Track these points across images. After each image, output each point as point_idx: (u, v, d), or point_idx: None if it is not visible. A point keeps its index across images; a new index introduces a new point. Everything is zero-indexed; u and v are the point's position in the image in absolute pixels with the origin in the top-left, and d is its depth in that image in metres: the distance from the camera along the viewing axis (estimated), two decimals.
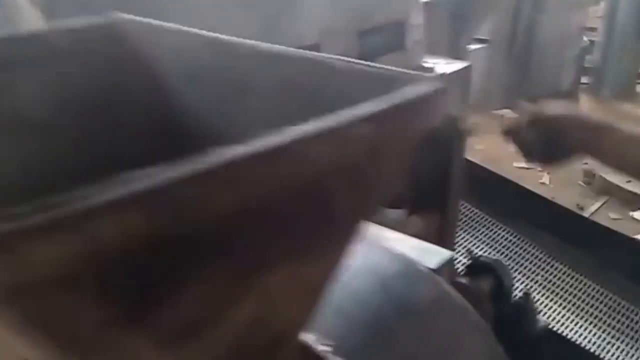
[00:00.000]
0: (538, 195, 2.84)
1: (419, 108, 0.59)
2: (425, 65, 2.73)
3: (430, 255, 1.10)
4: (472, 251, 1.82)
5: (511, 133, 1.50)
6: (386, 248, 1.07)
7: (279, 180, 0.48)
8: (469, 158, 2.10)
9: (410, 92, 0.58)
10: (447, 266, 1.09)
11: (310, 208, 0.54)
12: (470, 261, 1.57)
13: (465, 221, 2.62)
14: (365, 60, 0.70)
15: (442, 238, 1.92)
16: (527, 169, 3.54)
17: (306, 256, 0.57)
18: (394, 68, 0.66)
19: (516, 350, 1.45)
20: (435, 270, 1.06)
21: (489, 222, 2.64)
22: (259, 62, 0.77)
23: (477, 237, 2.60)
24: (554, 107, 1.52)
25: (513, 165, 3.68)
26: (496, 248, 2.58)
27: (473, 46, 4.67)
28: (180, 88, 0.86)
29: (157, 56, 0.87)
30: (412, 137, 0.62)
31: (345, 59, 0.70)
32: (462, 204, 2.59)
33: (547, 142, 1.44)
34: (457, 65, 2.79)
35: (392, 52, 2.58)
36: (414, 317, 0.96)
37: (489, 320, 1.46)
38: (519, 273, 2.43)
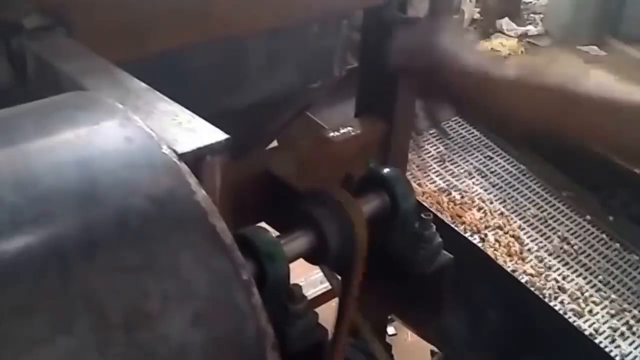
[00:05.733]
0: None
1: None
2: None
3: (195, 137, 0.78)
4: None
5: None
6: (131, 120, 0.75)
7: None
8: None
9: None
10: (210, 155, 0.76)
11: None
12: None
13: None
14: None
15: (389, 152, 1.58)
16: None
17: None
18: None
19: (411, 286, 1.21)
20: (183, 156, 0.73)
21: None
22: None
23: None
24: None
25: None
26: None
27: None
28: None
29: None
30: None
31: None
32: None
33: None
34: None
35: None
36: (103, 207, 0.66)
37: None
38: None
